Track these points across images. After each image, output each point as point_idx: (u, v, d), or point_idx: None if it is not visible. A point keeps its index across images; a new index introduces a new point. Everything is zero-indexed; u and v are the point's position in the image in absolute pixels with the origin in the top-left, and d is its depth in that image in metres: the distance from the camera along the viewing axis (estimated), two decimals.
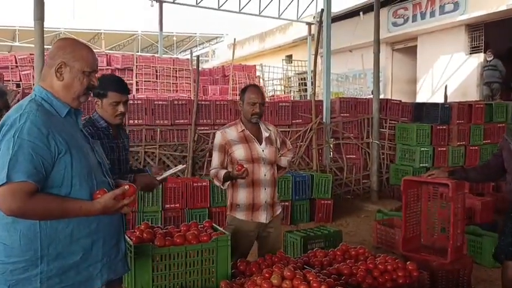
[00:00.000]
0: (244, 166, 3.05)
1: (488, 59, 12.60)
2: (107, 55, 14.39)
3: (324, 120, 8.48)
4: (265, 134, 3.33)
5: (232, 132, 3.30)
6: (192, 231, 2.73)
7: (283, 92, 18.05)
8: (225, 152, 3.28)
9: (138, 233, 2.67)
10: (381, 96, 15.96)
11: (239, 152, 3.22)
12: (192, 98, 7.90)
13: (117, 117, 2.72)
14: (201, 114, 7.60)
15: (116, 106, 2.67)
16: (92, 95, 2.52)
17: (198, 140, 7.51)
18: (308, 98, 12.72)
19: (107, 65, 13.46)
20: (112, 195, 1.77)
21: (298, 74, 19.06)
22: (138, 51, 23.05)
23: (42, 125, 1.72)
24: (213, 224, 3.02)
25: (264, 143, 3.30)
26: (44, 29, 6.19)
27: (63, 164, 1.76)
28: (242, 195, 3.23)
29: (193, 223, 2.94)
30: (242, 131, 3.29)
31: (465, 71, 13.43)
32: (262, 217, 3.26)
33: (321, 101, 8.69)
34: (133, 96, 12.01)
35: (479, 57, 13.09)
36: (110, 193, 1.77)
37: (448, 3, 13.81)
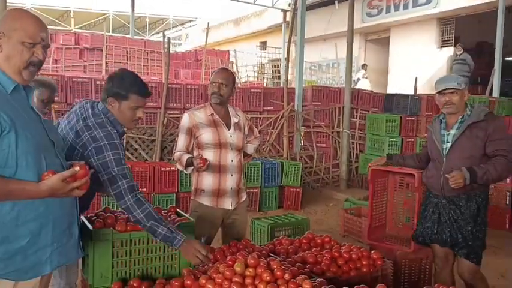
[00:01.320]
0: (207, 160, 2.99)
1: (458, 52, 12.81)
2: (75, 34, 13.92)
3: (296, 108, 8.46)
4: (234, 120, 3.27)
5: (200, 114, 3.22)
6: None
7: (256, 79, 17.95)
8: (192, 135, 3.20)
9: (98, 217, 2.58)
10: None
11: (206, 135, 3.15)
12: (163, 81, 7.71)
13: (134, 122, 2.46)
14: (171, 97, 7.45)
15: (136, 110, 2.38)
16: (107, 94, 2.31)
17: (167, 124, 7.37)
18: (281, 85, 12.73)
19: (75, 44, 13.02)
20: (60, 177, 1.64)
21: (272, 60, 18.98)
22: (109, 32, 22.46)
23: None
24: (178, 210, 2.95)
25: (232, 128, 3.24)
26: (8, 4, 5.91)
27: (7, 142, 1.64)
28: (207, 181, 3.17)
29: (157, 208, 2.86)
30: (211, 114, 3.22)
31: (436, 63, 13.64)
32: (228, 203, 3.21)
33: (293, 89, 8.67)
34: (102, 77, 11.72)
35: (450, 51, 13.32)
36: (58, 175, 1.65)
37: None
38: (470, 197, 3.03)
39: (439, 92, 3.06)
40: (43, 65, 1.88)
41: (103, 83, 7.05)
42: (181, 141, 3.19)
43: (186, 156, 3.11)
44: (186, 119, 3.23)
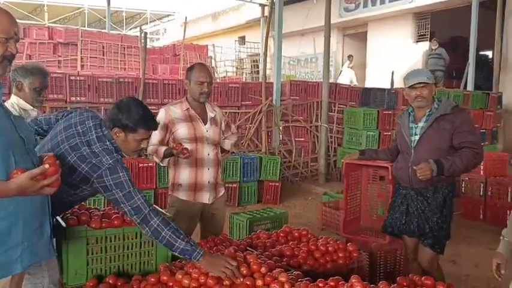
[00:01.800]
0: (187, 150, 3.01)
1: (433, 47, 13.02)
2: (49, 28, 13.61)
3: (274, 102, 8.48)
4: (210, 115, 3.27)
5: (176, 110, 3.22)
6: None
7: (235, 74, 17.90)
8: (167, 130, 3.19)
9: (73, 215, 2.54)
10: (331, 81, 16.35)
11: (182, 130, 3.15)
12: (140, 76, 7.63)
13: (136, 152, 2.47)
14: (148, 93, 7.38)
15: (141, 141, 2.37)
16: (113, 124, 2.25)
17: None
18: (260, 80, 12.76)
19: (49, 39, 12.74)
20: (29, 175, 1.61)
21: (250, 55, 18.95)
22: (84, 26, 22.04)
23: None
24: (155, 206, 2.92)
25: (208, 123, 3.24)
26: None
27: None
28: (185, 175, 3.16)
29: None
30: (187, 109, 3.22)
31: (412, 58, 13.82)
32: (205, 197, 3.20)
33: (272, 84, 8.68)
34: (78, 72, 11.51)
35: (425, 45, 13.51)
36: (27, 173, 1.61)
37: None
38: (437, 189, 3.10)
39: (410, 86, 3.11)
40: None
41: (78, 78, 7.00)
42: (156, 135, 3.16)
43: (163, 148, 3.10)
44: (162, 114, 3.22)
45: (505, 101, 10.68)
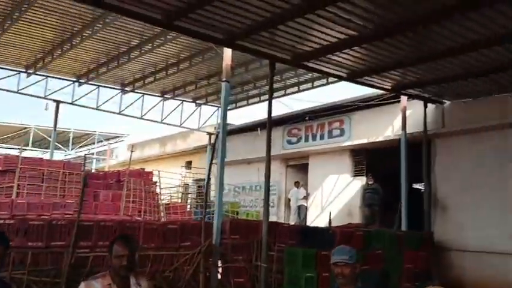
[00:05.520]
0: None
1: (370, 182, 13.82)
2: None
3: (214, 242, 8.39)
4: None
5: (97, 285, 3.10)
6: None
7: (180, 200, 17.84)
8: None
9: None
10: (275, 211, 16.65)
11: None
12: (74, 216, 7.41)
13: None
14: (82, 235, 7.11)
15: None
16: None
17: (75, 264, 6.93)
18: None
19: None
20: None
21: (196, 180, 19.15)
22: (28, 145, 21.75)
23: None
24: None
25: None
26: None
27: None
28: None
29: None
30: (109, 284, 3.10)
31: (350, 192, 14.46)
32: None
33: (211, 223, 8.67)
34: (12, 201, 11.06)
35: (362, 180, 14.26)
36: None
37: (336, 129, 15.21)
38: None
39: (333, 263, 3.21)
40: None
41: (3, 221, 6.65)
42: None
43: None
44: None
45: (436, 239, 11.16)
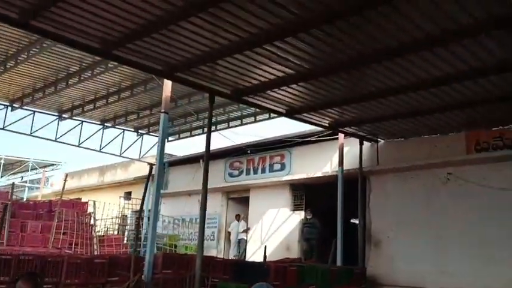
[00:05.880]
0: None
1: (308, 216, 13.98)
2: None
3: (144, 277, 8.09)
4: None
5: None
6: None
7: (116, 232, 17.17)
8: None
9: None
10: (215, 245, 16.44)
11: None
12: None
13: None
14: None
15: None
16: None
17: None
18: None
19: None
20: None
21: (135, 212, 18.55)
22: None
23: None
24: None
25: None
26: None
27: None
28: None
29: None
30: None
31: (289, 226, 14.54)
32: None
33: (143, 257, 8.38)
34: None
35: (301, 215, 14.41)
36: None
37: (277, 163, 15.42)
38: None
39: None
40: None
41: None
42: None
43: None
44: None
45: (369, 273, 11.39)
